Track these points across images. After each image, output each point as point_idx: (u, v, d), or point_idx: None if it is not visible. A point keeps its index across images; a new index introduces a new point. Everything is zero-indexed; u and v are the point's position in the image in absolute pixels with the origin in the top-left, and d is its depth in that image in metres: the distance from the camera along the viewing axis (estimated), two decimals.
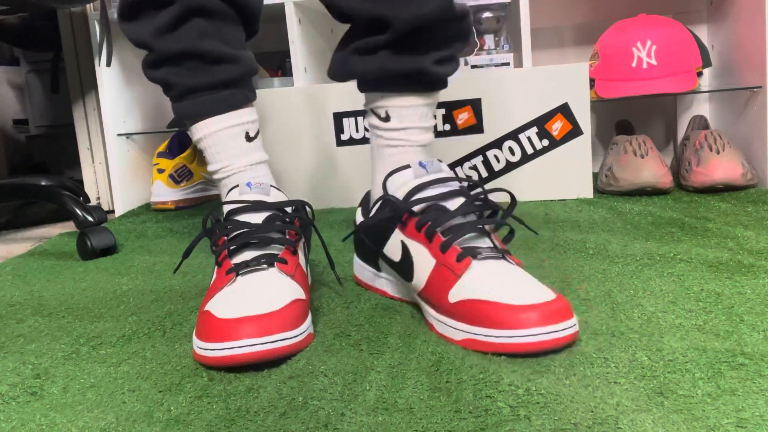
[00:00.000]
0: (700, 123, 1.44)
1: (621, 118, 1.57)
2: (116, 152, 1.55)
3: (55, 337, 0.73)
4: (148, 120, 1.69)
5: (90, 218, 1.12)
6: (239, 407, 0.54)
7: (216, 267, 0.71)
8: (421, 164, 0.72)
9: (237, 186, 0.77)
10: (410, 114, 0.74)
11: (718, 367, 0.55)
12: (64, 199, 1.14)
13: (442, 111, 1.30)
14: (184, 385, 0.59)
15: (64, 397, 0.58)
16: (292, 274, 0.68)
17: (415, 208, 0.69)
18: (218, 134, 0.79)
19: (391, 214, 0.71)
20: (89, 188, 1.74)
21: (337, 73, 0.77)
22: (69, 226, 1.49)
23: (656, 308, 0.69)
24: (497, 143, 1.29)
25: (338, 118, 1.33)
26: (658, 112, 1.64)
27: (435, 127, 0.75)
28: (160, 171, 1.52)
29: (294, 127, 1.35)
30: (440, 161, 0.74)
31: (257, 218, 0.74)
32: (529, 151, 1.28)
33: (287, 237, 0.73)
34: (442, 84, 0.75)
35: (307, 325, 0.64)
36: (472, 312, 0.60)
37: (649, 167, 1.23)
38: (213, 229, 0.73)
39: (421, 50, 0.71)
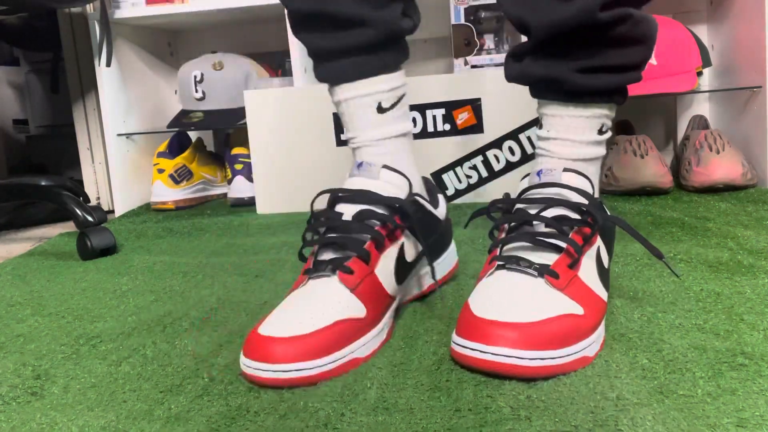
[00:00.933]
0: (700, 123, 1.44)
1: (621, 118, 1.57)
2: (116, 152, 1.55)
3: (55, 337, 0.73)
4: (148, 120, 1.69)
5: (90, 218, 1.12)
6: (239, 405, 0.54)
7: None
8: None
9: (356, 164, 0.72)
10: (557, 123, 0.69)
11: (718, 367, 0.55)
12: (64, 199, 1.14)
13: (442, 111, 1.30)
14: (185, 385, 0.59)
15: (65, 397, 0.58)
16: (353, 288, 0.62)
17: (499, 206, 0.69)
18: (348, 103, 0.74)
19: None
20: (89, 188, 1.74)
21: (505, 74, 0.74)
22: (69, 226, 1.49)
23: (656, 308, 0.69)
24: (497, 143, 1.29)
25: (338, 118, 1.33)
26: (658, 112, 1.64)
27: (603, 144, 0.69)
28: (160, 171, 1.52)
29: (294, 127, 1.35)
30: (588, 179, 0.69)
31: (350, 211, 0.68)
32: (529, 151, 1.28)
33: (370, 239, 0.65)
34: (598, 96, 0.67)
35: (343, 353, 0.58)
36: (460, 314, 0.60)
37: (649, 167, 1.23)
38: (309, 219, 0.69)
39: (559, 57, 0.66)
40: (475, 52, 1.47)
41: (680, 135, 1.61)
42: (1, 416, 0.56)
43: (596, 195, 0.68)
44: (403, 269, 0.69)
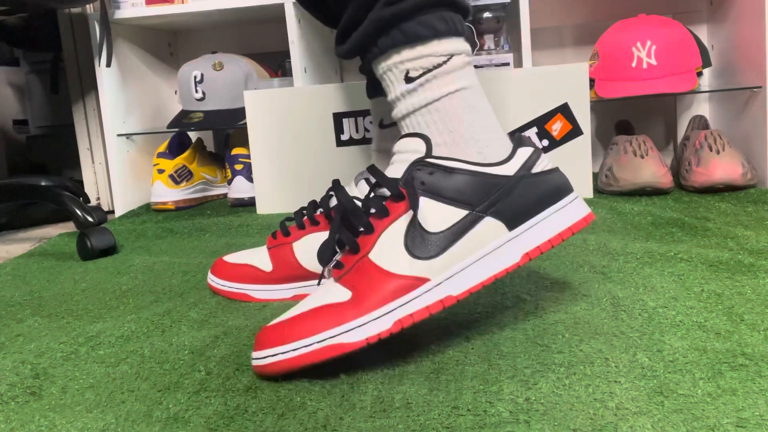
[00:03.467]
0: (700, 123, 1.44)
1: (621, 118, 1.57)
2: (116, 152, 1.55)
3: (55, 337, 0.73)
4: (148, 120, 1.69)
5: (90, 219, 1.11)
6: (237, 406, 0.54)
7: None
8: None
9: None
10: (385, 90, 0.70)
11: (718, 368, 0.55)
12: (64, 200, 1.14)
13: None
14: (182, 382, 0.59)
15: (63, 398, 0.58)
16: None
17: None
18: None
19: None
20: (89, 189, 1.74)
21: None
22: (69, 227, 1.49)
23: (657, 304, 0.69)
24: None
25: (338, 118, 1.33)
26: (658, 112, 1.64)
27: (423, 87, 0.65)
28: (160, 171, 1.52)
29: (294, 127, 1.35)
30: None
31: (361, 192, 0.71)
32: None
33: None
34: (367, 42, 0.65)
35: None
36: None
37: (649, 167, 1.23)
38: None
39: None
40: (475, 52, 1.47)
41: (680, 135, 1.61)
42: (0, 416, 0.55)
43: (447, 147, 0.64)
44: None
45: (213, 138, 1.89)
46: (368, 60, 0.67)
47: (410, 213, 0.61)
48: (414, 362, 0.60)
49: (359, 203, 0.71)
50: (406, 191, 0.61)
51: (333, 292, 0.60)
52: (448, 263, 0.60)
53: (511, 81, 1.27)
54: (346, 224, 0.65)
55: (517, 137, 0.67)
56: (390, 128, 0.83)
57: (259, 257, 0.82)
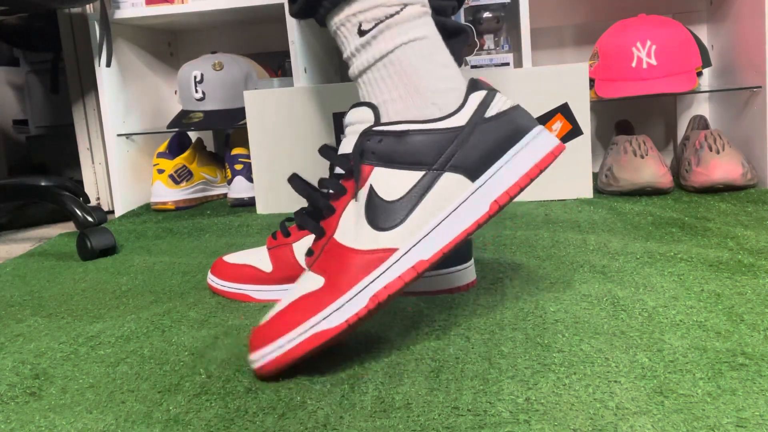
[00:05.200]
0: (700, 123, 1.44)
1: (621, 118, 1.57)
2: (116, 152, 1.55)
3: (55, 337, 0.73)
4: (147, 120, 1.69)
5: (90, 219, 1.11)
6: (238, 407, 0.54)
7: None
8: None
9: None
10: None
11: (718, 367, 0.55)
12: (64, 200, 1.14)
13: None
14: (182, 384, 0.59)
15: (63, 398, 0.58)
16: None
17: None
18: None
19: None
20: (89, 189, 1.74)
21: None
22: (69, 227, 1.49)
23: (657, 303, 0.69)
24: None
25: (338, 118, 1.33)
26: (658, 112, 1.64)
27: (376, 40, 0.63)
28: (160, 171, 1.52)
29: (294, 127, 1.35)
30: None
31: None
32: None
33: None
34: None
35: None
36: None
37: (649, 167, 1.23)
38: None
39: None
40: (475, 52, 1.47)
41: (680, 135, 1.61)
42: (0, 416, 0.55)
43: (401, 101, 0.62)
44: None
45: (213, 138, 1.89)
46: (321, 16, 0.65)
47: (367, 186, 0.59)
48: (414, 362, 0.60)
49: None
50: (353, 163, 0.59)
51: (307, 281, 0.60)
52: (413, 229, 0.58)
53: (510, 81, 1.27)
54: (310, 212, 0.64)
55: (470, 81, 0.63)
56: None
57: (259, 258, 0.82)
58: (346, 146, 0.63)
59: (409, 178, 0.59)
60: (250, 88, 1.55)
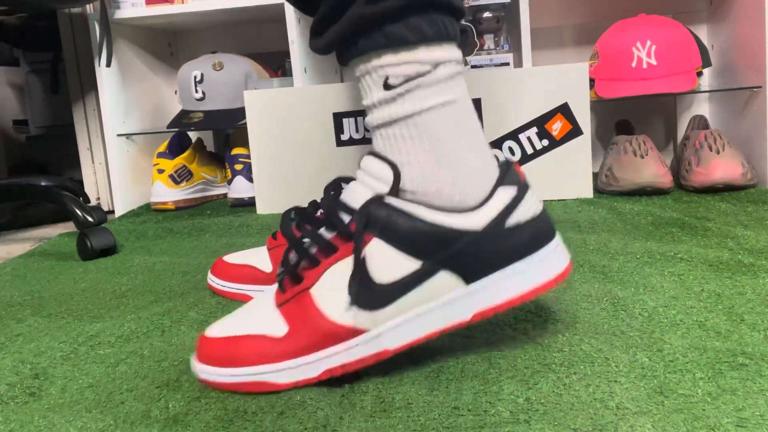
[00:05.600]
0: (700, 123, 1.44)
1: (621, 118, 1.57)
2: (116, 152, 1.55)
3: (54, 337, 0.73)
4: (147, 120, 1.69)
5: (90, 219, 1.11)
6: (237, 408, 0.54)
7: None
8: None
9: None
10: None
11: (718, 367, 0.55)
12: (64, 200, 1.14)
13: None
14: (182, 382, 0.59)
15: (63, 398, 0.58)
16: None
17: None
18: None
19: None
20: (89, 189, 1.74)
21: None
22: (69, 227, 1.49)
23: (657, 303, 0.69)
24: (497, 143, 1.29)
25: (338, 118, 1.33)
26: (658, 112, 1.64)
27: (401, 99, 0.57)
28: (160, 171, 1.52)
29: (294, 127, 1.35)
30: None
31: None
32: (529, 151, 1.28)
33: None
34: (343, 39, 0.57)
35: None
36: None
37: (649, 167, 1.23)
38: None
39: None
40: (475, 52, 1.47)
41: (680, 135, 1.61)
42: (0, 417, 0.55)
43: (419, 169, 0.56)
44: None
45: (213, 138, 1.89)
46: (345, 58, 0.60)
47: (361, 256, 0.54)
48: (414, 362, 0.60)
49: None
50: (354, 234, 0.54)
51: (270, 321, 0.56)
52: (390, 315, 0.55)
53: (511, 81, 1.27)
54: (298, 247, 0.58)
55: (503, 166, 0.58)
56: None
57: (259, 258, 0.82)
58: (353, 196, 0.58)
59: (406, 265, 0.55)
60: (250, 88, 1.55)
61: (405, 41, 0.55)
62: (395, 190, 0.56)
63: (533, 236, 0.57)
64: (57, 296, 0.90)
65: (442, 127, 0.57)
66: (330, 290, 0.55)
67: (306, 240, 0.58)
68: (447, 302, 0.56)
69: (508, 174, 0.57)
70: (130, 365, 0.64)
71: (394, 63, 0.56)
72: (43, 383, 0.61)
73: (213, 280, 0.84)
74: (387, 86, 0.57)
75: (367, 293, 0.54)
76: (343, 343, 0.55)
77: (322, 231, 0.57)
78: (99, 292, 0.90)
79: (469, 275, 0.55)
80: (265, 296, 0.60)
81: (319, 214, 0.81)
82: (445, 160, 0.57)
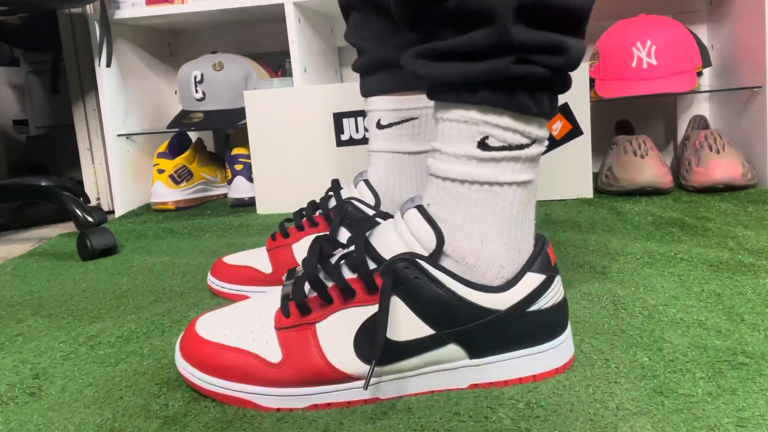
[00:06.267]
0: (700, 123, 1.43)
1: (621, 118, 1.57)
2: (116, 153, 1.55)
3: (54, 337, 0.73)
4: (148, 120, 1.69)
5: (90, 219, 1.11)
6: (236, 410, 0.54)
7: None
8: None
9: None
10: (436, 130, 0.59)
11: (718, 367, 0.55)
12: (65, 200, 1.14)
13: None
14: (181, 382, 0.59)
15: (62, 397, 0.58)
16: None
17: None
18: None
19: None
20: (89, 189, 1.74)
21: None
22: (69, 227, 1.49)
23: (657, 302, 0.69)
24: None
25: (338, 118, 1.33)
26: (658, 112, 1.64)
27: (493, 163, 0.54)
28: (160, 171, 1.51)
29: (294, 127, 1.35)
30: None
31: (360, 193, 0.80)
32: None
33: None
34: (454, 92, 0.53)
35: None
36: None
37: (649, 167, 1.23)
38: None
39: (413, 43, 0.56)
40: None
41: (680, 135, 1.61)
42: (0, 417, 0.55)
43: (463, 235, 0.54)
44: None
45: (213, 138, 1.89)
46: (441, 96, 0.54)
47: (374, 310, 0.53)
48: None
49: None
50: (381, 291, 0.52)
51: (266, 341, 0.55)
52: (393, 371, 0.54)
53: None
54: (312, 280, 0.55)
55: (537, 244, 0.57)
56: (389, 128, 0.80)
57: (259, 259, 0.82)
58: (385, 245, 0.55)
59: (419, 330, 0.53)
60: (250, 88, 1.55)
61: (527, 110, 0.52)
62: (433, 258, 0.53)
63: (549, 325, 0.56)
64: (57, 296, 0.90)
65: (514, 205, 0.54)
66: (337, 332, 0.53)
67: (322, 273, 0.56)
68: (448, 369, 0.55)
69: (540, 258, 0.56)
70: (130, 364, 0.64)
71: (502, 126, 0.52)
72: (43, 383, 0.61)
73: (213, 282, 0.84)
74: (484, 146, 0.53)
75: (375, 348, 0.52)
76: (336, 385, 0.54)
77: (344, 269, 0.55)
78: (99, 292, 0.90)
79: (476, 351, 0.55)
80: (265, 300, 0.59)
81: (317, 214, 0.81)
82: (498, 238, 0.54)
